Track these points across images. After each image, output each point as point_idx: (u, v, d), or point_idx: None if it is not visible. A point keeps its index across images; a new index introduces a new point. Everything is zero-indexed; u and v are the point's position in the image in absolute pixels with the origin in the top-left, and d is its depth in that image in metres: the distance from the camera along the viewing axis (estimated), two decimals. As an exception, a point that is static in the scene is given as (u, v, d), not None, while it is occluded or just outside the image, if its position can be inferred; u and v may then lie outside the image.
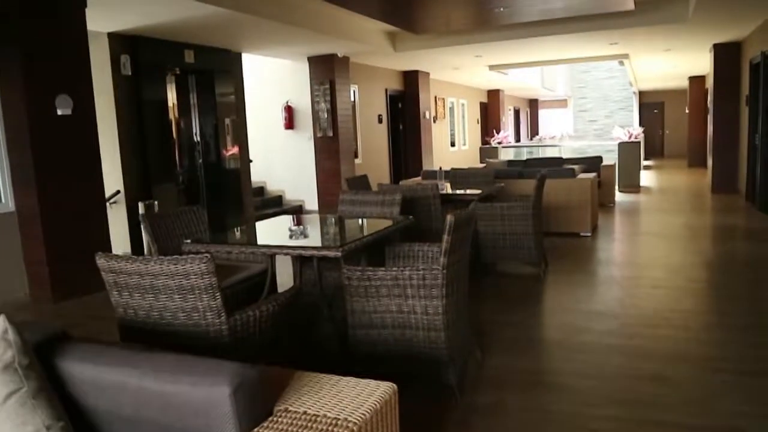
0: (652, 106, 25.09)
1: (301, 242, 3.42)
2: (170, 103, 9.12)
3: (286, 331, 3.05)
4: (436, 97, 16.16)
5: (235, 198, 9.82)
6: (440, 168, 6.45)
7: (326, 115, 10.79)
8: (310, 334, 3.59)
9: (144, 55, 8.04)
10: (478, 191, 6.23)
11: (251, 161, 10.50)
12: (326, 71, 10.75)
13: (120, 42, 7.72)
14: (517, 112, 26.91)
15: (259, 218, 10.57)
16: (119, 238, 7.68)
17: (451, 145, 17.77)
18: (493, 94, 21.06)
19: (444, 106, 16.87)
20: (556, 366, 3.65)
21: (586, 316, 4.49)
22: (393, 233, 3.67)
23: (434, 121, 15.98)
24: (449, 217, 2.97)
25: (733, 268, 5.98)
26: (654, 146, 24.54)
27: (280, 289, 3.64)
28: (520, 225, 5.56)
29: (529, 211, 5.51)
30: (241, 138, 10.06)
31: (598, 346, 3.89)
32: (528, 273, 5.81)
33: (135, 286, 2.59)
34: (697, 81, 18.60)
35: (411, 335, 3.08)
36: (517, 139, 26.06)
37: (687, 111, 19.66)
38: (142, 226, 6.21)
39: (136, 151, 8.02)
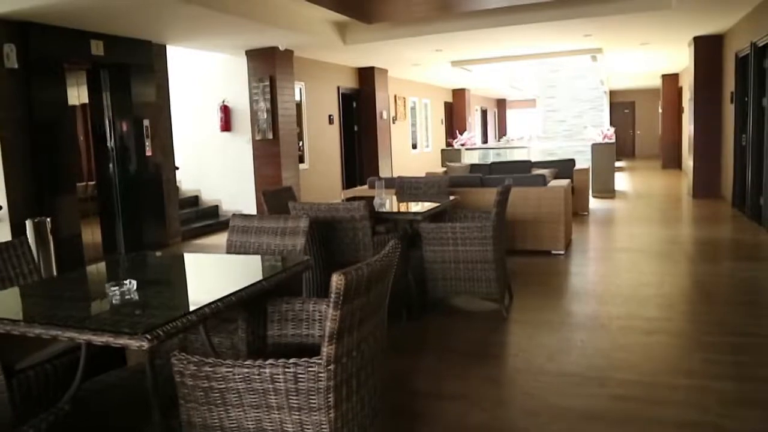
0: (623, 106, 24.30)
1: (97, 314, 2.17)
2: (75, 103, 7.78)
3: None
4: (396, 96, 14.98)
5: (156, 211, 8.48)
6: (379, 177, 5.24)
7: (266, 116, 9.52)
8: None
9: (36, 45, 6.69)
10: (430, 206, 5.04)
11: (177, 168, 9.18)
12: (266, 67, 9.48)
13: (3, 28, 6.36)
14: (484, 113, 25.92)
15: (190, 233, 9.26)
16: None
17: (413, 147, 16.61)
18: (459, 94, 19.97)
19: (405, 106, 15.69)
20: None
21: (561, 384, 3.31)
22: (270, 285, 2.43)
23: (393, 122, 14.80)
24: (336, 280, 1.76)
25: (741, 299, 4.86)
26: (625, 147, 23.74)
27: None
28: (478, 251, 4.38)
29: (488, 233, 4.33)
30: (165, 142, 8.73)
31: (581, 437, 2.72)
32: (487, 310, 4.63)
33: None
34: (670, 79, 17.77)
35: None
36: (485, 140, 25.06)
37: (660, 110, 18.84)
38: None
39: (26, 160, 6.66)
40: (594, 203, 10.59)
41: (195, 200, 10.68)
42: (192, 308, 2.10)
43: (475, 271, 4.42)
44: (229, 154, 10.28)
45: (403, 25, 9.04)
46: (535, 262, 6.27)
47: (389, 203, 5.10)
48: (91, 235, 8.08)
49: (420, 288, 4.62)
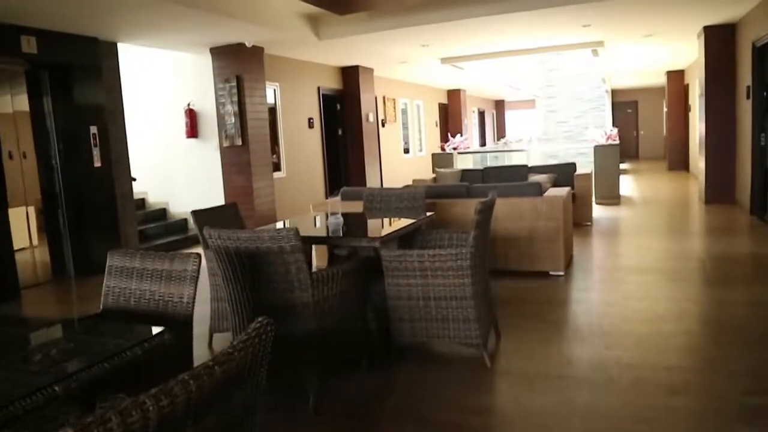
0: (625, 105, 23.37)
1: None
2: (7, 110, 6.89)
3: None
4: (384, 98, 14.08)
5: (109, 228, 7.59)
6: (338, 190, 4.33)
7: (233, 120, 8.61)
8: None
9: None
10: (403, 223, 4.14)
11: (134, 180, 8.28)
12: (232, 66, 8.58)
13: None
14: (482, 114, 25.02)
15: (156, 249, 8.33)
16: None
17: (405, 152, 15.70)
18: (454, 94, 19.05)
19: (395, 108, 14.78)
20: None
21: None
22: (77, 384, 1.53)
23: (383, 125, 13.90)
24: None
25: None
26: (629, 148, 22.79)
27: None
28: (453, 285, 3.47)
29: (465, 262, 3.42)
30: (119, 152, 7.84)
31: None
32: (467, 356, 3.71)
33: None
34: (676, 75, 16.85)
35: None
36: (483, 143, 24.16)
37: (665, 109, 17.92)
38: None
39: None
40: (598, 211, 9.67)
41: (163, 213, 9.80)
42: None
43: (450, 310, 3.51)
44: (197, 163, 9.39)
45: (381, 17, 8.14)
46: (529, 287, 5.35)
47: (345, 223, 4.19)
48: (38, 255, 7.21)
49: (383, 330, 3.72)
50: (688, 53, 12.65)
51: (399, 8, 7.93)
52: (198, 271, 2.30)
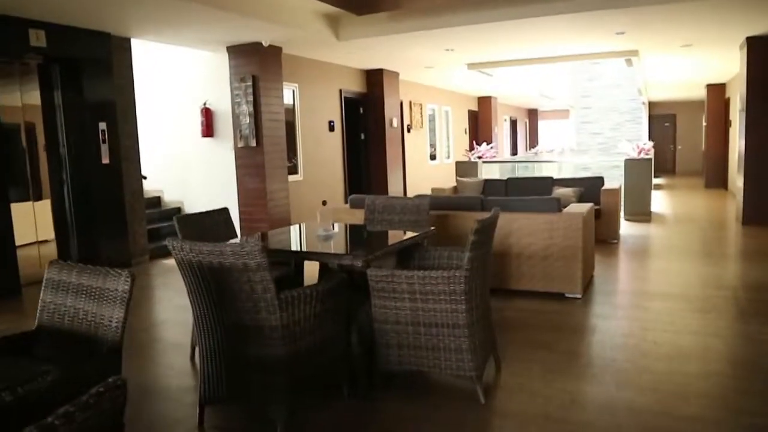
0: (662, 119, 22.61)
1: None
2: (16, 103, 6.75)
3: None
4: (411, 103, 13.75)
5: (116, 226, 7.44)
6: (324, 201, 4.01)
7: (248, 120, 8.39)
8: None
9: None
10: (396, 240, 3.81)
11: (145, 178, 8.12)
12: (248, 65, 8.36)
13: None
14: (513, 123, 24.51)
15: (165, 250, 8.13)
16: None
17: (431, 158, 15.33)
18: (485, 102, 18.62)
19: (422, 113, 14.44)
20: None
21: None
22: None
23: (408, 131, 13.57)
24: None
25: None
26: (665, 163, 22.05)
27: None
28: (445, 310, 3.12)
29: (459, 287, 3.06)
30: (129, 149, 7.67)
31: None
32: (460, 388, 3.35)
33: None
34: (716, 89, 16.15)
35: None
36: (514, 152, 23.67)
37: (705, 123, 17.20)
38: None
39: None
40: (626, 228, 9.18)
41: (177, 212, 9.63)
42: None
43: (441, 338, 3.16)
44: (212, 163, 9.19)
45: (401, 19, 7.81)
46: (541, 310, 4.96)
47: (340, 233, 3.87)
48: (45, 251, 7.07)
49: (368, 354, 3.38)
50: (729, 66, 12.04)
51: (418, 10, 7.60)
52: (129, 291, 2.00)
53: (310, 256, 3.62)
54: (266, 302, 2.69)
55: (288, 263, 3.94)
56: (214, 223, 4.16)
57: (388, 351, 3.28)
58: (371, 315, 3.29)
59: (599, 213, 7.79)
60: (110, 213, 7.34)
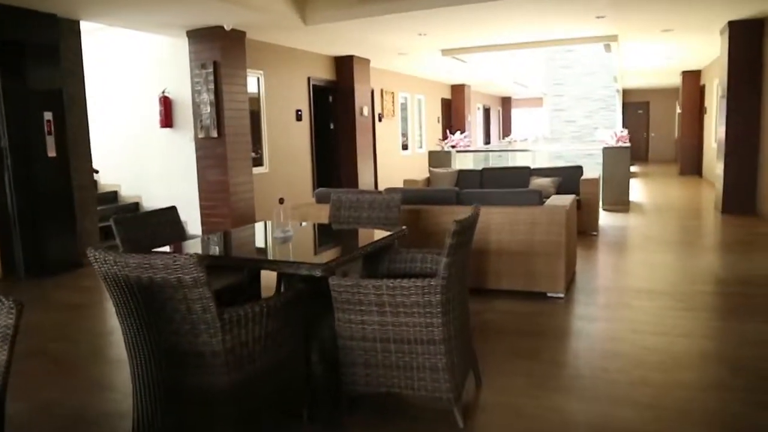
0: (636, 106, 22.52)
1: None
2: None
3: None
4: (382, 91, 13.31)
5: (65, 224, 6.88)
6: (280, 199, 3.57)
7: (209, 109, 7.88)
8: None
9: None
10: (365, 242, 3.40)
11: (96, 171, 7.58)
12: (209, 50, 7.84)
13: None
14: (487, 111, 24.21)
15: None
16: None
17: (404, 148, 14.92)
18: (458, 90, 18.24)
19: (393, 102, 14.00)
20: None
21: None
22: None
23: (380, 120, 13.13)
24: None
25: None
26: (638, 150, 21.96)
27: None
28: (419, 324, 2.72)
29: (434, 298, 2.67)
30: (79, 141, 7.12)
31: None
32: (433, 412, 2.97)
33: None
34: (691, 76, 16.02)
35: None
36: (487, 141, 23.37)
37: (679, 110, 17.09)
38: None
39: None
40: (605, 218, 8.90)
41: (135, 208, 9.09)
42: None
43: (414, 356, 2.77)
44: (172, 155, 8.67)
45: (372, 0, 7.37)
46: (523, 312, 4.60)
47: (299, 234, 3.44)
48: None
49: (331, 375, 2.98)
50: (706, 52, 11.85)
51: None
52: (14, 327, 1.55)
53: (262, 264, 3.18)
54: (206, 324, 2.26)
55: (241, 268, 3.50)
56: (160, 223, 3.70)
57: (355, 370, 2.88)
58: (335, 329, 2.88)
59: (579, 204, 7.47)
60: (57, 210, 6.79)
